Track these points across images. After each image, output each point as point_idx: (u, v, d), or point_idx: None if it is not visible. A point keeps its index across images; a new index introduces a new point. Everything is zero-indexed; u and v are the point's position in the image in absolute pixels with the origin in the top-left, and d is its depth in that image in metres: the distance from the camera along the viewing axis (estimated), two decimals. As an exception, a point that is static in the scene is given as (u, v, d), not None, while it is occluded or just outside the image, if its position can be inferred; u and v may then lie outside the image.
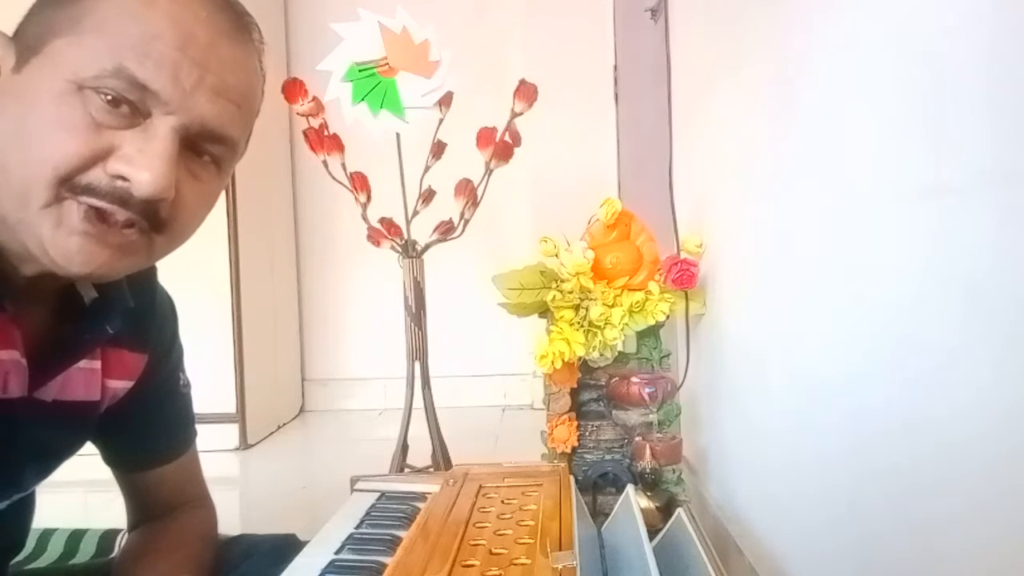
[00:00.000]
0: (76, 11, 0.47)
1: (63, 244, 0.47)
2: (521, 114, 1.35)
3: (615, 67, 2.41)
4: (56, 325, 0.57)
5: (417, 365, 1.43)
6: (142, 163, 0.47)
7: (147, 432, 0.72)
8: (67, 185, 0.46)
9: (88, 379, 0.62)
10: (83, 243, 0.47)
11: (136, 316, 0.64)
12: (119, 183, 0.47)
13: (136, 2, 0.48)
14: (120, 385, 0.66)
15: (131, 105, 0.47)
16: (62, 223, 0.47)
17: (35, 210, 0.46)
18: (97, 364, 0.63)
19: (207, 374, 1.87)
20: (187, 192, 0.51)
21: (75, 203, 0.47)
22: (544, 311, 1.12)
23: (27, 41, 0.48)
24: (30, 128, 0.46)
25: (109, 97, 0.46)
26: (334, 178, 1.40)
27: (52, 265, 0.48)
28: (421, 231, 1.42)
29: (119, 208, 0.47)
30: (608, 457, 1.11)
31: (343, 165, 1.39)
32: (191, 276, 1.66)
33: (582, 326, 1.08)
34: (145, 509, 0.74)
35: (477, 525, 0.63)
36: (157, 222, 0.50)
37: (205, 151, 0.52)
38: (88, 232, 0.47)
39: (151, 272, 0.69)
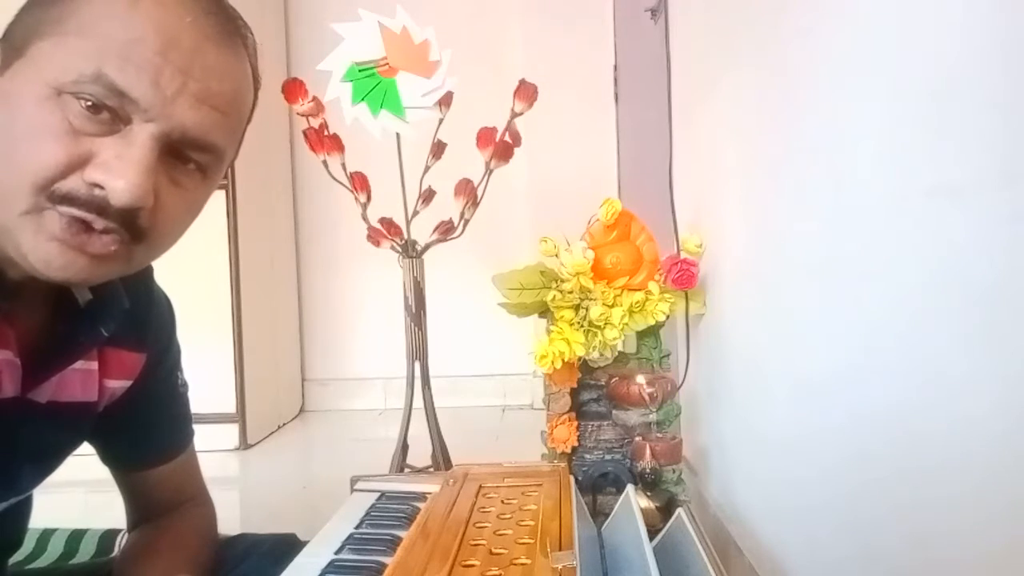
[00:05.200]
0: (60, 13, 0.46)
1: (42, 250, 0.46)
2: (521, 114, 1.35)
3: (615, 67, 2.41)
4: (51, 326, 0.57)
5: (417, 365, 1.43)
6: (118, 171, 0.46)
7: (146, 432, 0.72)
8: (45, 193, 0.45)
9: (84, 380, 0.62)
10: (62, 250, 0.46)
11: (133, 316, 0.64)
12: (97, 191, 0.46)
13: (119, 5, 0.46)
14: (119, 385, 0.66)
15: (111, 111, 0.46)
16: (42, 229, 0.46)
17: (15, 216, 0.46)
18: (94, 365, 0.62)
19: (207, 374, 1.88)
20: (169, 200, 0.50)
21: (55, 212, 0.46)
22: (544, 311, 1.12)
23: (14, 43, 0.48)
24: (10, 133, 0.46)
25: (89, 103, 0.45)
26: (334, 178, 1.40)
27: (31, 270, 0.48)
28: (421, 231, 1.42)
29: (97, 217, 0.46)
30: (608, 457, 1.11)
31: (343, 165, 1.39)
32: (191, 276, 1.66)
33: (582, 326, 1.07)
34: (144, 509, 0.74)
35: (477, 525, 0.63)
36: (136, 231, 0.48)
37: (190, 159, 0.51)
38: (67, 240, 0.46)
39: (147, 272, 0.68)
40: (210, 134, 0.50)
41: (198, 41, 0.48)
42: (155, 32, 0.46)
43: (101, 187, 0.46)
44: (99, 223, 0.47)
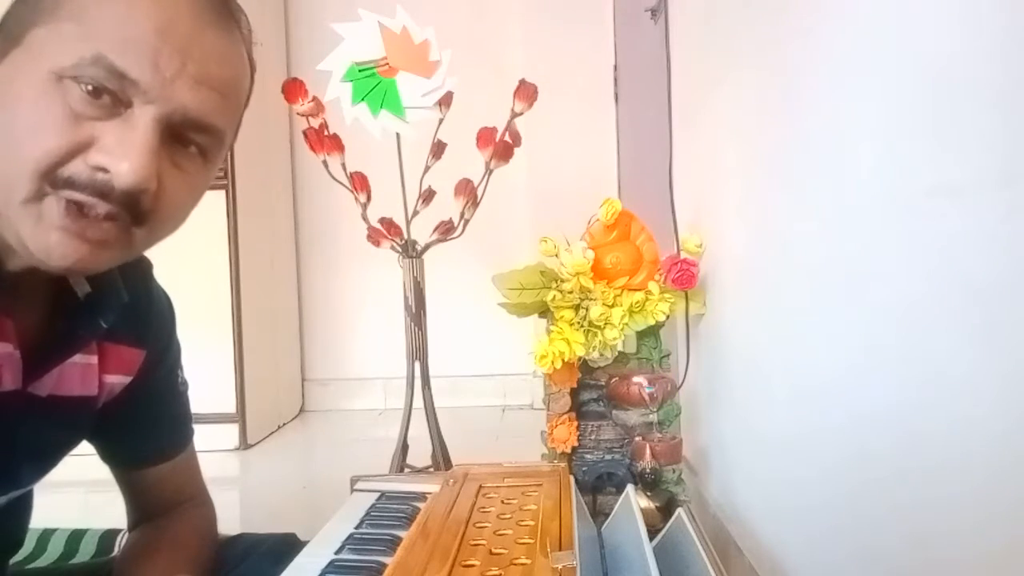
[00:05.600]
0: None
1: (42, 238, 0.47)
2: (521, 114, 1.35)
3: (615, 67, 2.41)
4: (50, 319, 0.57)
5: (417, 365, 1.43)
6: (122, 153, 0.46)
7: (146, 430, 0.72)
8: (48, 179, 0.46)
9: (84, 374, 0.62)
10: (62, 238, 0.46)
11: (132, 311, 0.64)
12: (99, 175, 0.46)
13: None
14: (118, 380, 0.66)
15: (112, 95, 0.46)
16: (42, 218, 0.46)
17: (16, 204, 0.46)
18: (94, 359, 0.62)
19: (207, 374, 1.87)
20: (171, 183, 0.50)
21: (55, 199, 0.46)
22: (544, 311, 1.12)
23: (9, 32, 0.48)
24: (10, 121, 0.46)
25: (90, 87, 0.45)
26: (334, 178, 1.40)
27: (31, 259, 0.48)
28: (421, 231, 1.42)
29: (99, 201, 0.46)
30: (608, 457, 1.11)
31: (343, 165, 1.39)
32: (191, 276, 1.66)
33: (582, 326, 1.07)
34: (144, 508, 0.74)
35: (477, 525, 0.63)
36: (139, 214, 0.49)
37: (191, 141, 0.51)
38: (67, 227, 0.46)
39: (145, 267, 0.68)
40: (210, 116, 0.51)
41: (195, 23, 0.49)
42: (152, 15, 0.47)
43: (105, 170, 0.46)
44: (101, 207, 0.47)
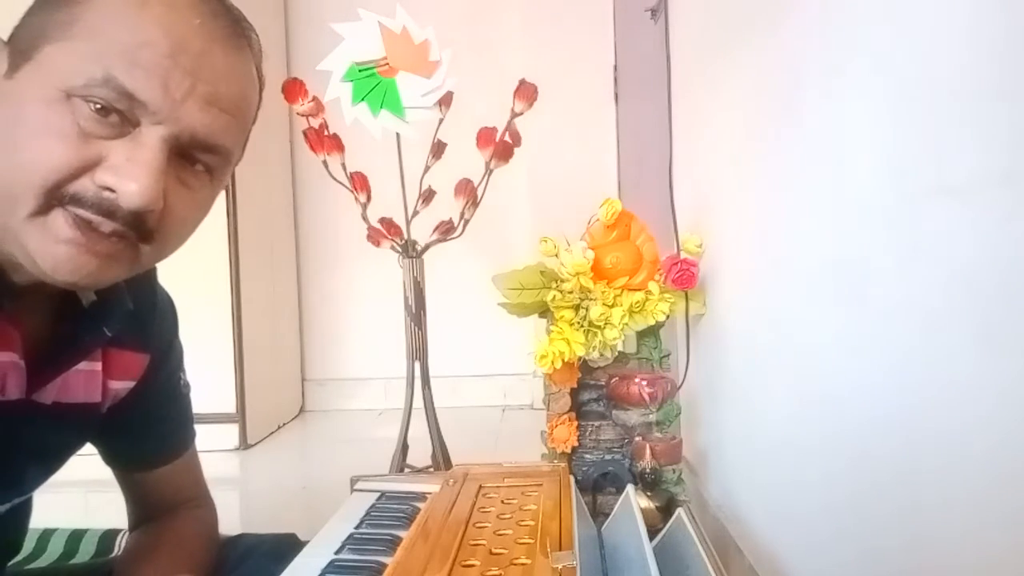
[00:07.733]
0: (68, 16, 0.47)
1: (50, 253, 0.46)
2: (521, 114, 1.35)
3: (615, 67, 2.41)
4: (55, 327, 0.57)
5: (417, 365, 1.43)
6: (129, 174, 0.46)
7: (148, 432, 0.72)
8: (55, 195, 0.46)
9: (88, 381, 0.62)
10: (70, 252, 0.46)
11: (136, 316, 0.64)
12: (106, 194, 0.46)
13: (127, 8, 0.47)
14: (122, 386, 0.66)
15: (120, 115, 0.46)
16: (49, 232, 0.46)
17: (22, 218, 0.46)
18: (98, 366, 0.62)
19: (207, 374, 1.87)
20: (177, 202, 0.50)
21: (62, 211, 0.46)
22: (544, 311, 1.12)
23: (20, 46, 0.48)
24: (19, 136, 0.46)
25: (98, 106, 0.45)
26: (334, 178, 1.40)
27: (39, 274, 0.48)
28: (421, 231, 1.42)
29: (105, 219, 0.47)
30: (608, 457, 1.11)
31: (343, 165, 1.39)
32: (191, 276, 1.66)
33: (582, 326, 1.08)
34: (146, 509, 0.74)
35: (477, 525, 0.63)
36: (145, 232, 0.49)
37: (197, 160, 0.51)
38: (75, 240, 0.46)
39: (150, 273, 0.68)
40: (218, 136, 0.51)
41: (206, 44, 0.49)
42: (164, 35, 0.47)
43: (112, 190, 0.46)
44: (107, 225, 0.47)
